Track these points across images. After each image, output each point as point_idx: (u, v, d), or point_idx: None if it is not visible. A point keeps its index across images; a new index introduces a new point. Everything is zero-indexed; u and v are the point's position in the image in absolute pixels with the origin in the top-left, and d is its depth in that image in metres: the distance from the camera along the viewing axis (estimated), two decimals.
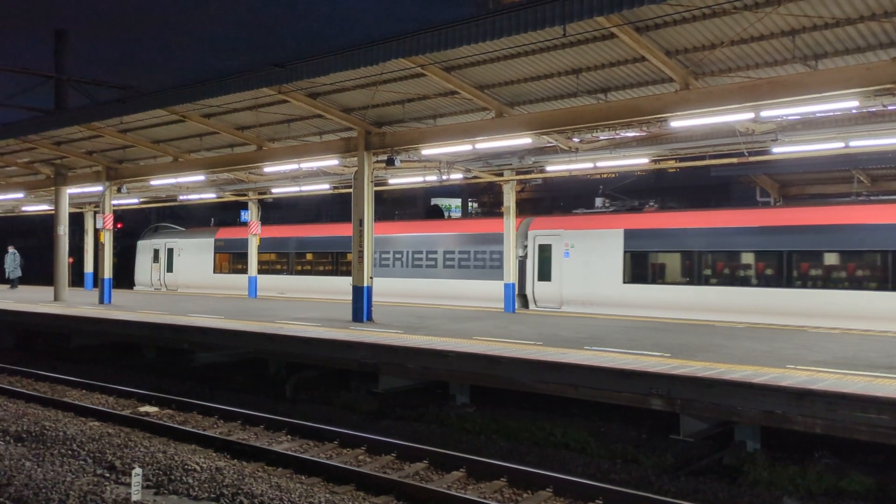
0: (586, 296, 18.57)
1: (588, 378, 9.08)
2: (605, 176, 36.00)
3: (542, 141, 14.37)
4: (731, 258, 16.87)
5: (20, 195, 24.97)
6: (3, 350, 18.29)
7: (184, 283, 28.86)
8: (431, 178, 18.41)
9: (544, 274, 19.49)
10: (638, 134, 14.12)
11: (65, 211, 22.07)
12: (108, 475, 7.95)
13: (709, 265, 17.07)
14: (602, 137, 14.35)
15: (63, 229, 21.91)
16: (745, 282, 16.57)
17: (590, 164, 15.96)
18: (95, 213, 27.83)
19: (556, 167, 16.39)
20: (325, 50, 12.34)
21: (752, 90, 10.58)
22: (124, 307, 18.93)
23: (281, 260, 26.16)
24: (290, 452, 8.84)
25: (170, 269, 29.49)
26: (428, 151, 15.03)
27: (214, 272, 28.00)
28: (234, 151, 18.53)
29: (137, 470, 7.28)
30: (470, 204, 56.49)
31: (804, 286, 15.82)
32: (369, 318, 15.00)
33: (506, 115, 13.58)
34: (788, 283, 15.90)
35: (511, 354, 10.06)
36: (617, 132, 13.65)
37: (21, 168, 23.22)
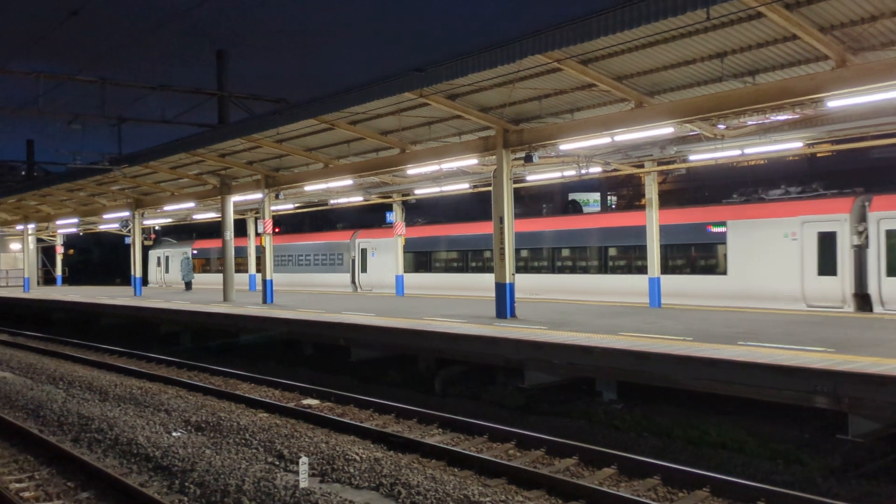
0: (385, 282, 27.14)
1: (745, 375, 8.73)
2: (753, 163, 34.15)
3: (685, 129, 13.90)
4: (442, 255, 27.19)
5: (192, 204, 27.24)
6: (181, 347, 20.10)
7: (175, 281, 39.27)
8: (570, 172, 18.28)
9: (364, 268, 29.43)
10: (790, 117, 13.31)
11: (230, 217, 23.86)
12: (277, 463, 8.57)
13: (437, 259, 27.35)
14: (750, 123, 13.66)
15: (229, 235, 23.70)
16: (453, 270, 26.66)
17: (737, 151, 15.21)
18: (256, 218, 29.96)
19: (700, 156, 15.76)
20: (463, 51, 12.60)
21: None
22: (285, 306, 20.22)
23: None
24: (442, 445, 9.14)
25: (167, 271, 41.05)
26: (566, 146, 14.94)
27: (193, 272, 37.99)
28: (378, 155, 19.28)
29: (304, 459, 7.79)
30: (609, 197, 55.22)
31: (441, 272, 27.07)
32: (513, 315, 15.16)
33: (646, 105, 13.26)
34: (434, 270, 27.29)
35: (660, 350, 9.85)
36: (766, 116, 12.95)
37: (191, 179, 25.33)
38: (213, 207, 28.13)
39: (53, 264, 44.36)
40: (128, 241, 35.94)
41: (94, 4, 10.41)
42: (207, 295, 27.07)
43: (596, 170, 17.92)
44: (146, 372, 15.64)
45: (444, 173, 19.98)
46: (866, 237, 15.89)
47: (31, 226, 38.76)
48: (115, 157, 22.98)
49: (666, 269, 18.76)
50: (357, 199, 25.59)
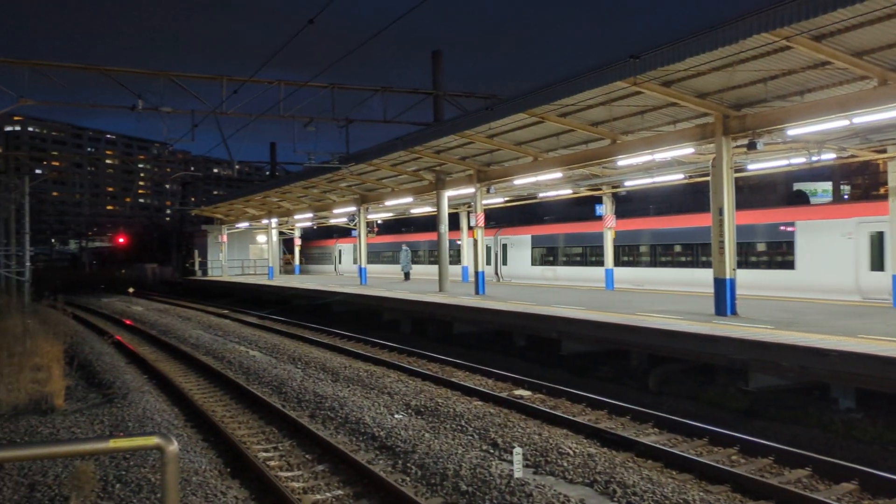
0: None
1: None
2: None
3: None
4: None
5: (409, 199, 28.77)
6: (402, 334, 21.34)
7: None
8: (798, 160, 16.82)
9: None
10: None
11: (445, 212, 24.84)
12: (492, 451, 8.80)
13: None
14: None
15: (444, 228, 24.71)
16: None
17: None
18: (469, 213, 30.98)
19: None
20: (679, 35, 12.07)
21: None
22: (496, 297, 20.70)
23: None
24: (658, 445, 8.88)
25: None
26: (794, 131, 13.74)
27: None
28: (588, 147, 19.04)
29: (518, 449, 7.89)
30: (842, 186, 50.12)
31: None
32: (733, 312, 14.30)
33: (891, 83, 11.83)
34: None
35: None
36: None
37: (409, 176, 26.75)
38: (428, 202, 29.46)
39: (292, 254, 49.17)
40: (354, 233, 39.00)
41: (326, 14, 11.35)
42: (418, 285, 28.45)
43: (829, 156, 16.32)
44: (371, 356, 16.77)
45: (656, 164, 19.28)
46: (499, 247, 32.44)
47: (273, 220, 43.26)
48: (343, 157, 24.85)
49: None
50: (565, 192, 25.48)
